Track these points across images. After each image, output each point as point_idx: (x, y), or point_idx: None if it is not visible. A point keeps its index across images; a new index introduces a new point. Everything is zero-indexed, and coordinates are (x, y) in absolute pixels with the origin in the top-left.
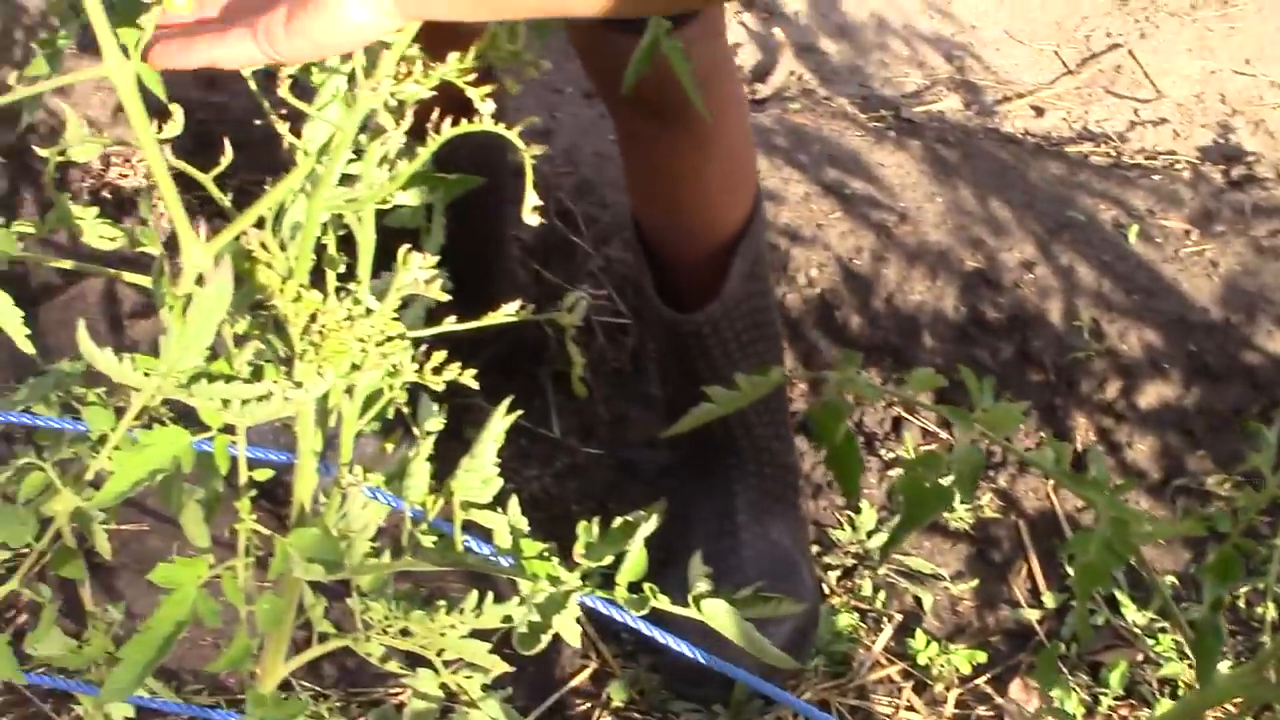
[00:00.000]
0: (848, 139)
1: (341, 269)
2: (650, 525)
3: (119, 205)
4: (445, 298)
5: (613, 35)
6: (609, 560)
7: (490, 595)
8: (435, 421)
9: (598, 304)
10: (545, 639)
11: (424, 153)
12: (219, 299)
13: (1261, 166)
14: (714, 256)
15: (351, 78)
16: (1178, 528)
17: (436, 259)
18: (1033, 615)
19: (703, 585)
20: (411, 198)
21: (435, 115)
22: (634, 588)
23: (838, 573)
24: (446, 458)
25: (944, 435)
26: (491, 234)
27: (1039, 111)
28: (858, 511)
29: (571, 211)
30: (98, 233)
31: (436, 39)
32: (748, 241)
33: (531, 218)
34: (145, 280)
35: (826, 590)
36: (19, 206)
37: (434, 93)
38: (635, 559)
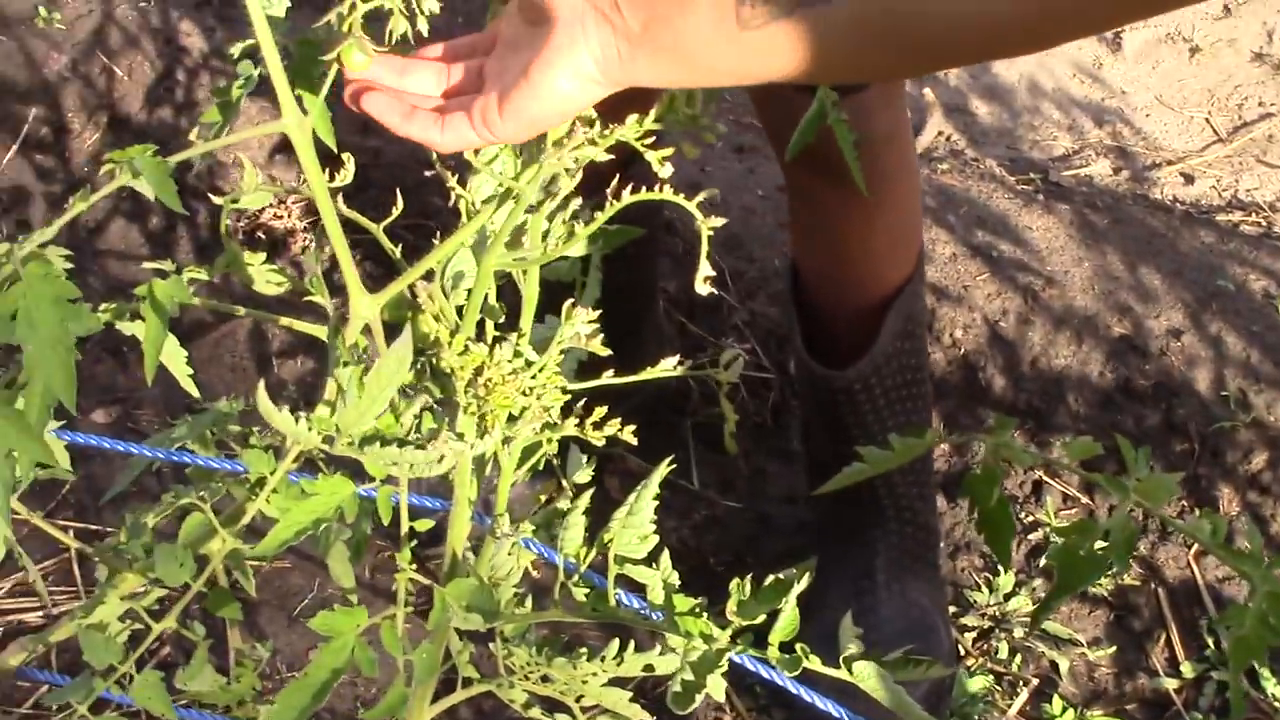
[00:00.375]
0: (996, 201)
1: (501, 319)
2: (802, 584)
3: (272, 246)
4: (606, 352)
5: (790, 94)
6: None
7: (631, 644)
8: (584, 473)
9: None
10: (699, 699)
11: (600, 217)
12: (398, 369)
13: None
14: (870, 313)
15: None
16: None
17: (596, 313)
18: (1171, 685)
19: (853, 647)
20: (574, 249)
21: (613, 180)
22: (785, 647)
23: (974, 634)
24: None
25: (1084, 500)
26: (642, 286)
27: (1189, 179)
28: (996, 573)
29: (718, 265)
30: (265, 278)
31: (614, 102)
32: (903, 300)
33: (703, 287)
34: (308, 327)
35: (962, 651)
36: (174, 244)
37: (609, 155)
38: (788, 618)
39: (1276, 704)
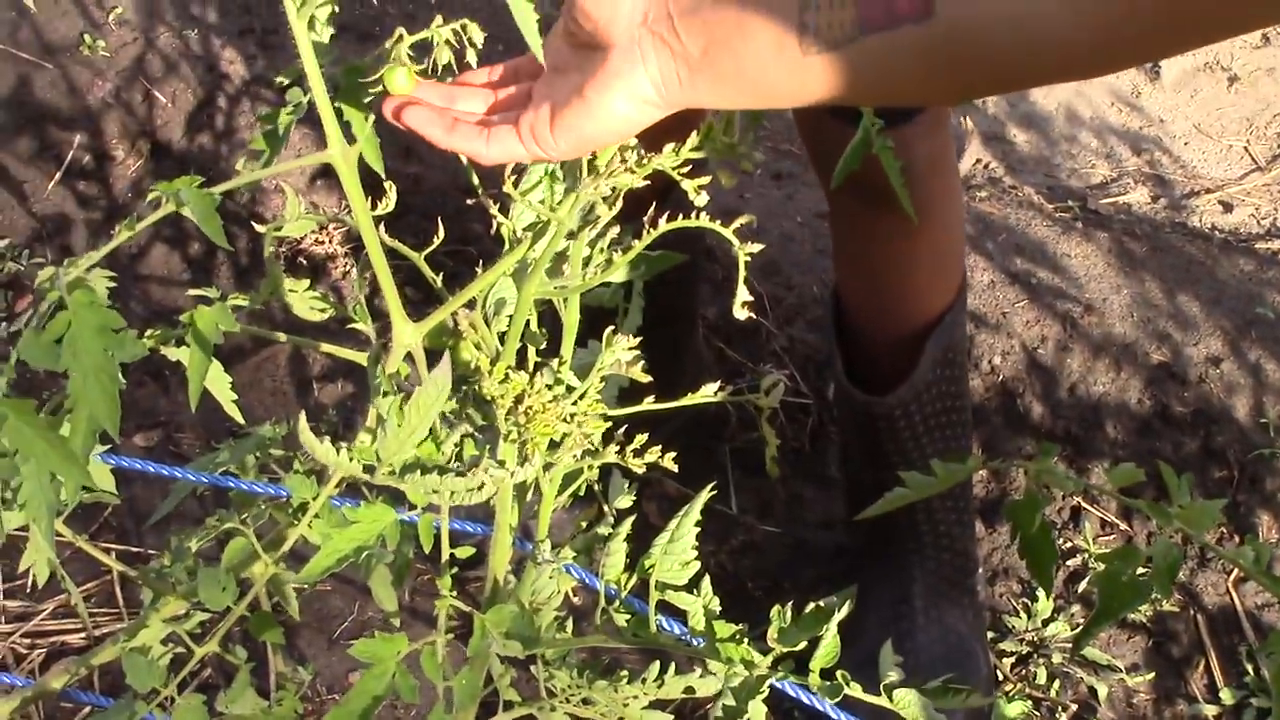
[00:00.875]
0: (1034, 228)
1: (543, 345)
2: (843, 611)
3: (313, 271)
4: (647, 379)
5: (835, 123)
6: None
7: (672, 666)
8: (625, 499)
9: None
10: None
11: (638, 245)
12: (437, 397)
13: None
14: (911, 340)
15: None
16: None
17: (637, 339)
18: (1210, 711)
19: (893, 674)
20: (615, 275)
21: (651, 208)
22: (825, 673)
23: (1012, 660)
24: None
25: (1123, 527)
26: (683, 312)
27: (1227, 207)
28: (1034, 599)
29: (757, 291)
30: (307, 304)
31: (653, 130)
32: (944, 328)
33: (741, 312)
34: (349, 353)
35: (1001, 677)
36: (215, 269)
37: (647, 182)
38: (829, 646)
39: None
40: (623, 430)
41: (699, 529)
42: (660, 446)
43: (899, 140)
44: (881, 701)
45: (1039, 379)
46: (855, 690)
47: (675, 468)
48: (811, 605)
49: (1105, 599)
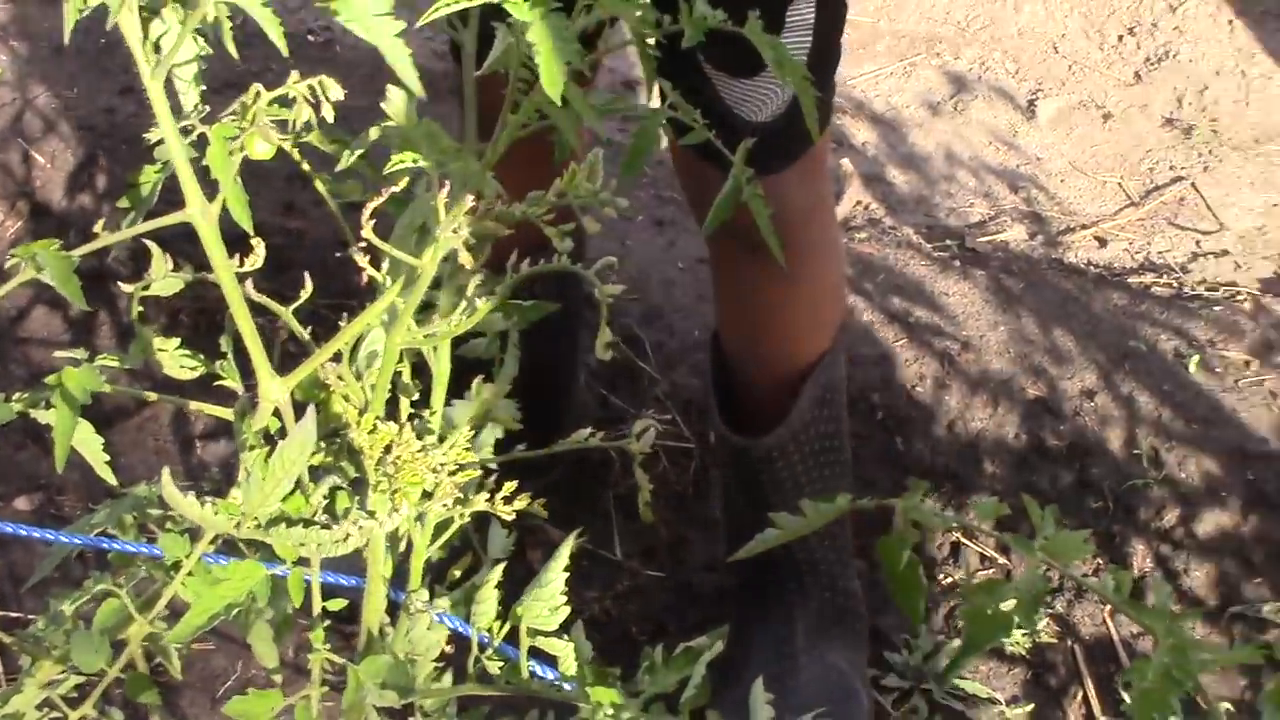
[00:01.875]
0: (913, 268)
1: (415, 396)
2: (713, 651)
3: (198, 322)
4: (517, 428)
5: (713, 170)
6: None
7: (550, 714)
8: (503, 548)
9: (662, 428)
10: None
11: (500, 291)
12: (301, 450)
13: None
14: (790, 383)
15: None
16: (1236, 655)
17: (508, 389)
18: None
19: (765, 712)
20: (488, 326)
21: (514, 254)
22: (696, 714)
23: (894, 696)
24: (509, 577)
25: (1002, 560)
26: (563, 360)
27: (1102, 242)
28: (915, 635)
29: (639, 337)
30: (178, 363)
31: (515, 177)
32: (821, 369)
33: (605, 353)
34: (221, 411)
35: (883, 713)
36: (96, 329)
37: (511, 230)
38: (698, 686)
39: None
40: (498, 478)
41: (583, 575)
42: (541, 493)
43: (773, 188)
44: None
45: (918, 417)
46: None
47: (545, 514)
48: (682, 646)
49: (971, 631)
